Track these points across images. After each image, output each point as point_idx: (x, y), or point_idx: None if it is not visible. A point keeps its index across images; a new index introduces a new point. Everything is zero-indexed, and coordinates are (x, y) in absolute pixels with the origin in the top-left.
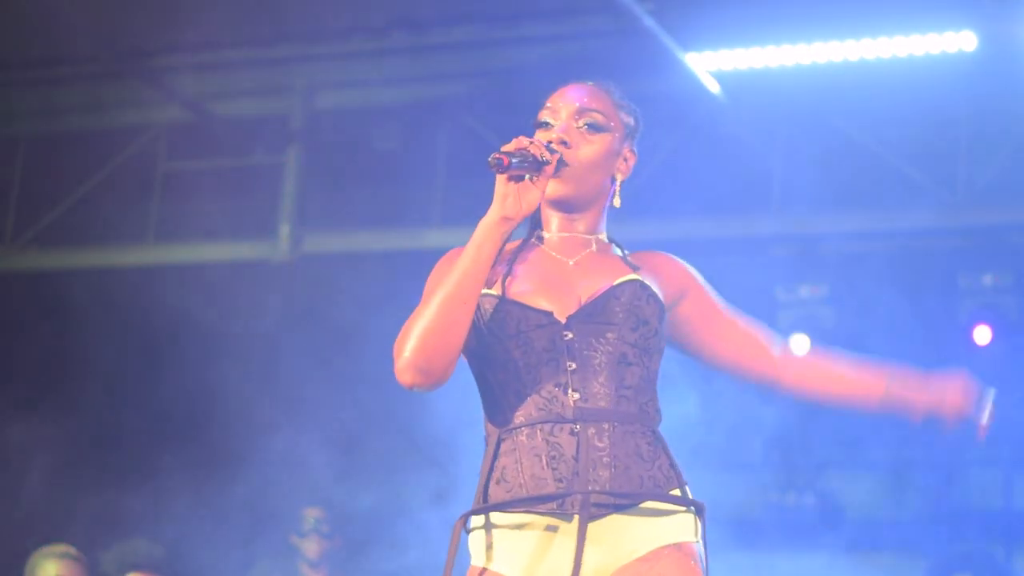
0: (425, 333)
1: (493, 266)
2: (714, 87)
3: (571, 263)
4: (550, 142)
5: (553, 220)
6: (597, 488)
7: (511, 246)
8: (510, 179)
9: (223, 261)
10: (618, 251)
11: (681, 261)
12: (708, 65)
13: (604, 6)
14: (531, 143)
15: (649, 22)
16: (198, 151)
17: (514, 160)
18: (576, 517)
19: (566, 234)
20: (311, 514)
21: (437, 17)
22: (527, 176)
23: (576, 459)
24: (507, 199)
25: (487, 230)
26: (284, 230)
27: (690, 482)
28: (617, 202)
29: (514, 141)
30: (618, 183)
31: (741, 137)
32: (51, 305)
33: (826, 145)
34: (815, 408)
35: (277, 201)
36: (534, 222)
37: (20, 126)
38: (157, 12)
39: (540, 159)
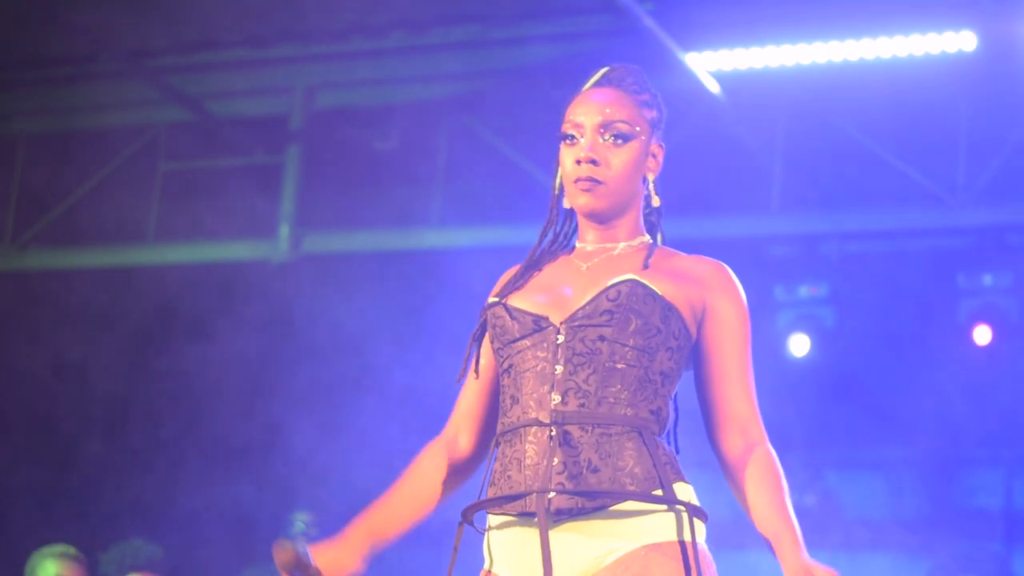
0: None
1: (515, 278)
2: (714, 87)
3: (584, 267)
4: (579, 161)
5: (589, 232)
6: (560, 490)
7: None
8: None
9: (223, 261)
10: (647, 252)
11: (733, 281)
12: (708, 65)
13: (604, 6)
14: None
15: (649, 22)
16: (198, 151)
17: None
18: (538, 519)
19: (598, 245)
20: (299, 518)
21: (437, 17)
22: None
23: (547, 462)
24: None
25: None
26: (284, 230)
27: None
28: (656, 201)
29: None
30: (650, 182)
31: (741, 137)
32: (51, 305)
33: (826, 145)
34: (816, 408)
35: (277, 201)
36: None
37: (20, 126)
38: (157, 12)
39: None
